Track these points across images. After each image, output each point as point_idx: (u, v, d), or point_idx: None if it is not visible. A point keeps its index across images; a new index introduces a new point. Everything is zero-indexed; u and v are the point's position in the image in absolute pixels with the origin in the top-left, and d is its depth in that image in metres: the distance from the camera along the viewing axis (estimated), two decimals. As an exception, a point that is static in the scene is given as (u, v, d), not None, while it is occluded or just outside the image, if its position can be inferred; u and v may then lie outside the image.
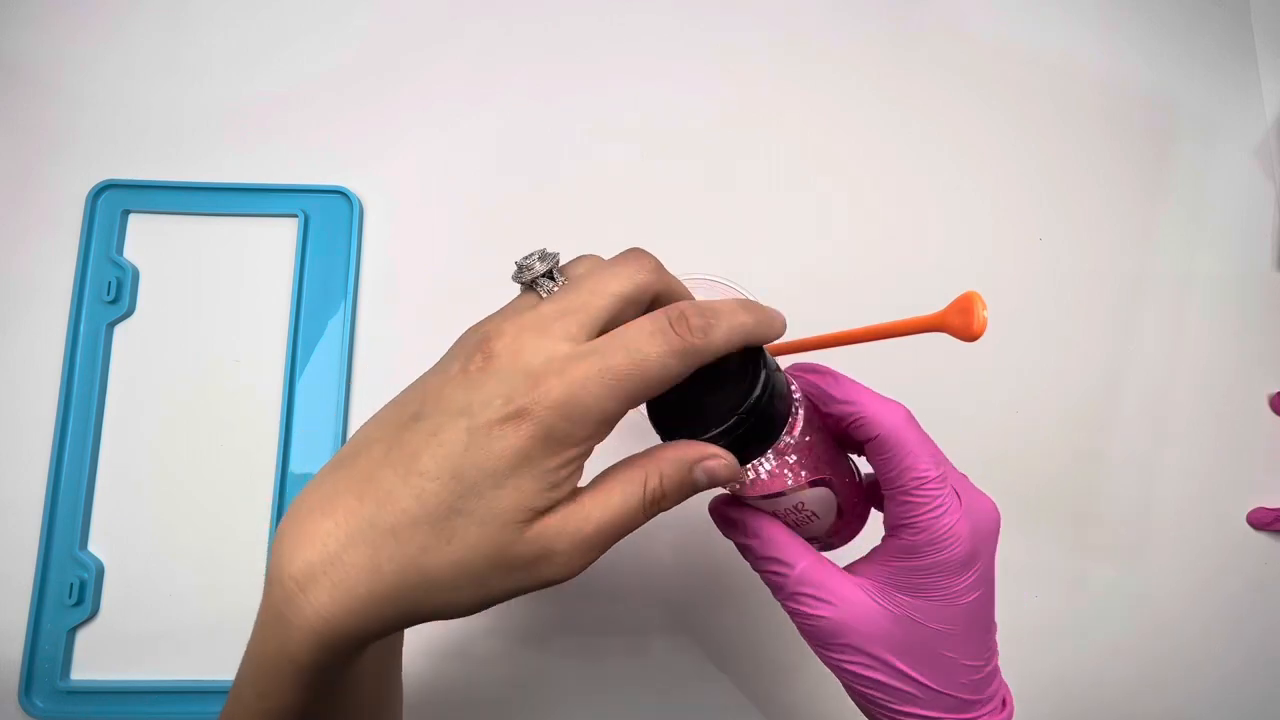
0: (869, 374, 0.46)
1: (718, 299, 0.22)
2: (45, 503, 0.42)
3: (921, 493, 0.26)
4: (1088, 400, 0.48)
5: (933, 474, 0.26)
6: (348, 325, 0.45)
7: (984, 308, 0.23)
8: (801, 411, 0.26)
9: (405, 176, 0.48)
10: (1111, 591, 0.46)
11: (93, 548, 0.43)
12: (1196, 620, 0.46)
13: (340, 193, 0.46)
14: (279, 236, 0.46)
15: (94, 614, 0.42)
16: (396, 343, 0.46)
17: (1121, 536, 0.46)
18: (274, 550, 0.20)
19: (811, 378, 0.27)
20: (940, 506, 0.26)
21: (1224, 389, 0.48)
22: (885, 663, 0.25)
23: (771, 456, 0.25)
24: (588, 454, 0.21)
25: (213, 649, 0.42)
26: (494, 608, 0.43)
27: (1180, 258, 0.50)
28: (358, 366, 0.45)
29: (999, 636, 0.29)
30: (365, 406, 0.45)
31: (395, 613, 0.20)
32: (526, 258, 0.23)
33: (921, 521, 0.25)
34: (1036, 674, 0.45)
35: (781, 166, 0.49)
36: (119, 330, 0.45)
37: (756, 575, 0.29)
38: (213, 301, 0.46)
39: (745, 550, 0.28)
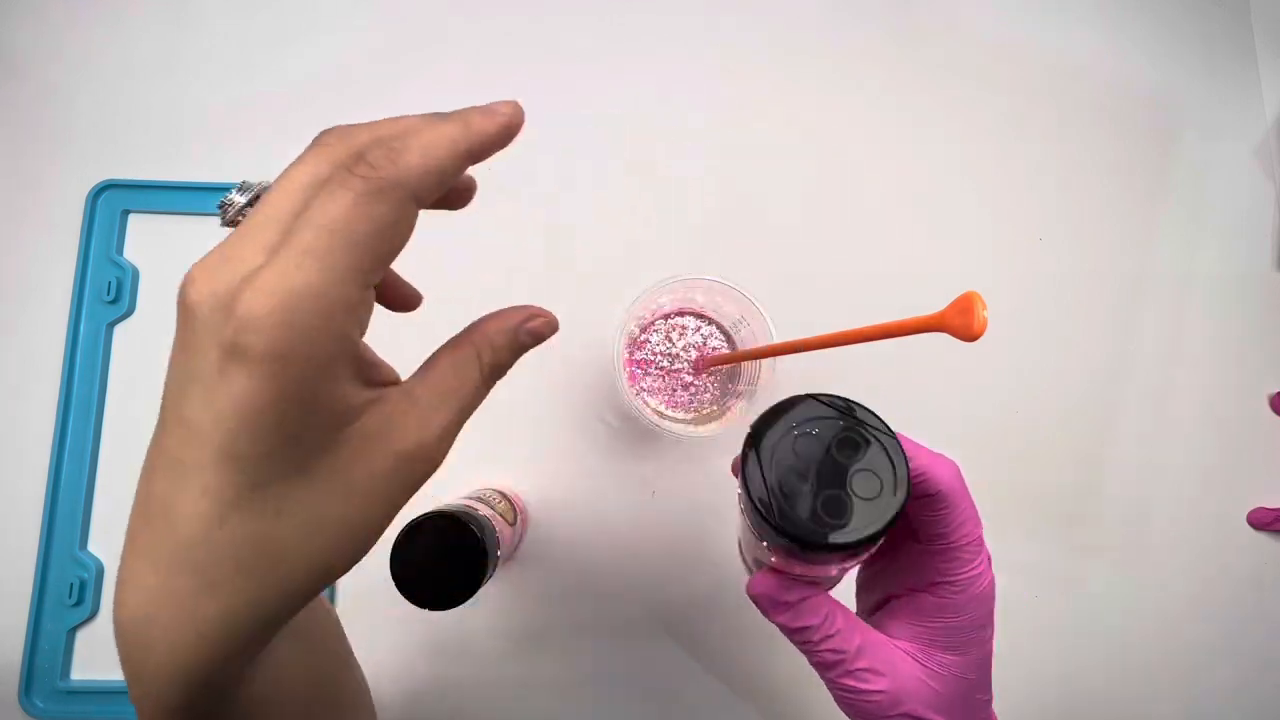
0: (869, 374, 0.46)
1: (401, 122, 0.19)
2: (45, 503, 0.42)
3: (968, 551, 0.26)
4: (1088, 400, 0.48)
5: (979, 533, 0.26)
6: (348, 325, 0.45)
7: (984, 308, 0.23)
8: None
9: (405, 176, 0.48)
10: (1111, 591, 0.46)
11: (93, 548, 0.43)
12: (1196, 620, 0.46)
13: (340, 193, 0.46)
14: (279, 236, 0.46)
15: (94, 614, 0.42)
16: (396, 342, 0.46)
17: (1121, 536, 0.46)
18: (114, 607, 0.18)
19: None
20: (982, 564, 0.26)
21: (1224, 389, 0.48)
22: None
23: None
24: (346, 359, 0.17)
25: (213, 649, 0.41)
26: (493, 608, 0.43)
27: (1180, 258, 0.50)
28: (358, 366, 0.45)
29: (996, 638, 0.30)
30: (365, 406, 0.45)
31: (256, 615, 0.17)
32: (226, 195, 0.20)
33: (963, 579, 0.26)
34: (1036, 673, 0.45)
35: (781, 167, 0.49)
36: (119, 330, 0.45)
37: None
38: (213, 301, 0.46)
39: (797, 633, 0.27)
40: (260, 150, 0.48)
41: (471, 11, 0.50)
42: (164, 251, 0.46)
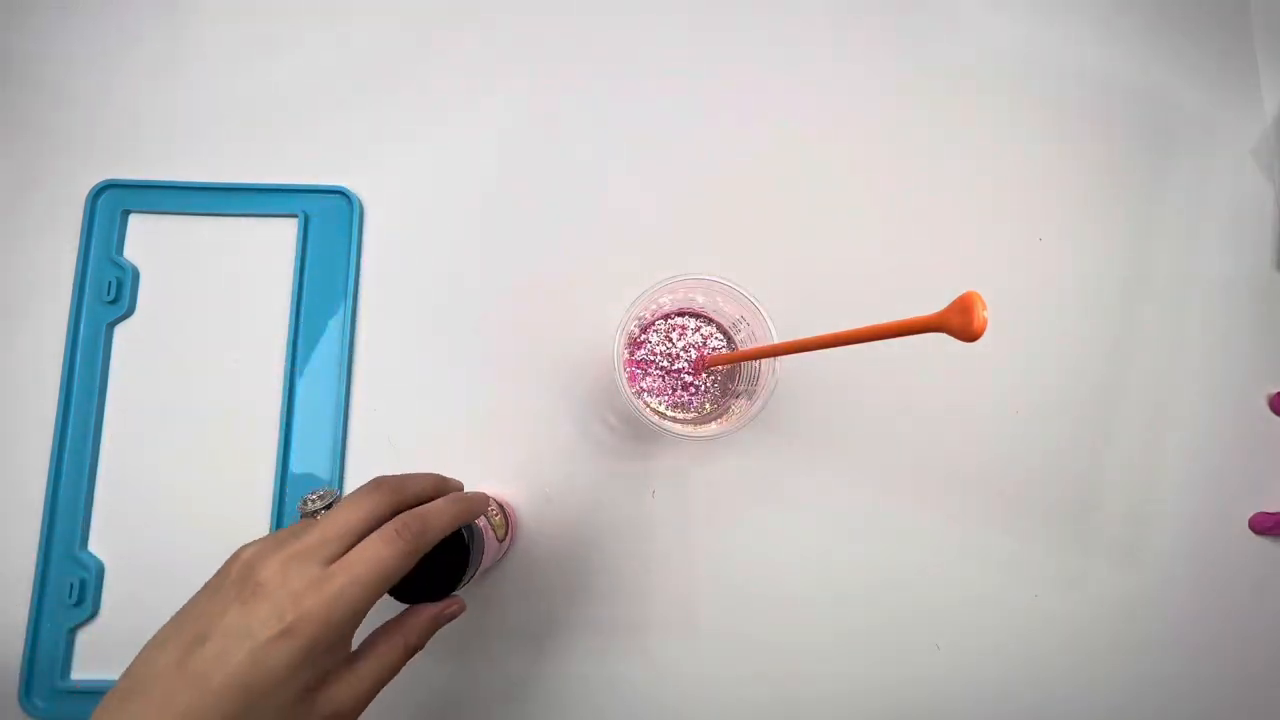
0: (869, 374, 0.46)
1: (432, 505, 0.30)
2: (45, 503, 0.42)
3: None
4: (1087, 400, 0.48)
5: None
6: (348, 325, 0.45)
7: (984, 308, 0.23)
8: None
9: (405, 176, 0.48)
10: (1111, 593, 0.46)
11: (93, 548, 0.43)
12: (1197, 623, 0.46)
13: (340, 193, 0.46)
14: (279, 236, 0.46)
15: (94, 614, 0.42)
16: (396, 343, 0.46)
17: (1121, 538, 0.46)
18: None
19: None
20: None
21: (1224, 389, 0.48)
22: None
23: None
24: (350, 639, 0.27)
25: (213, 649, 0.42)
26: (493, 607, 0.43)
27: (1180, 258, 0.50)
28: (358, 366, 0.45)
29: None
30: (365, 406, 0.45)
31: None
32: (312, 495, 0.30)
33: None
34: (1037, 673, 0.45)
35: (781, 167, 0.49)
36: (119, 330, 0.45)
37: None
38: (213, 301, 0.46)
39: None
40: (260, 150, 0.48)
41: (471, 11, 0.50)
42: (164, 251, 0.46)
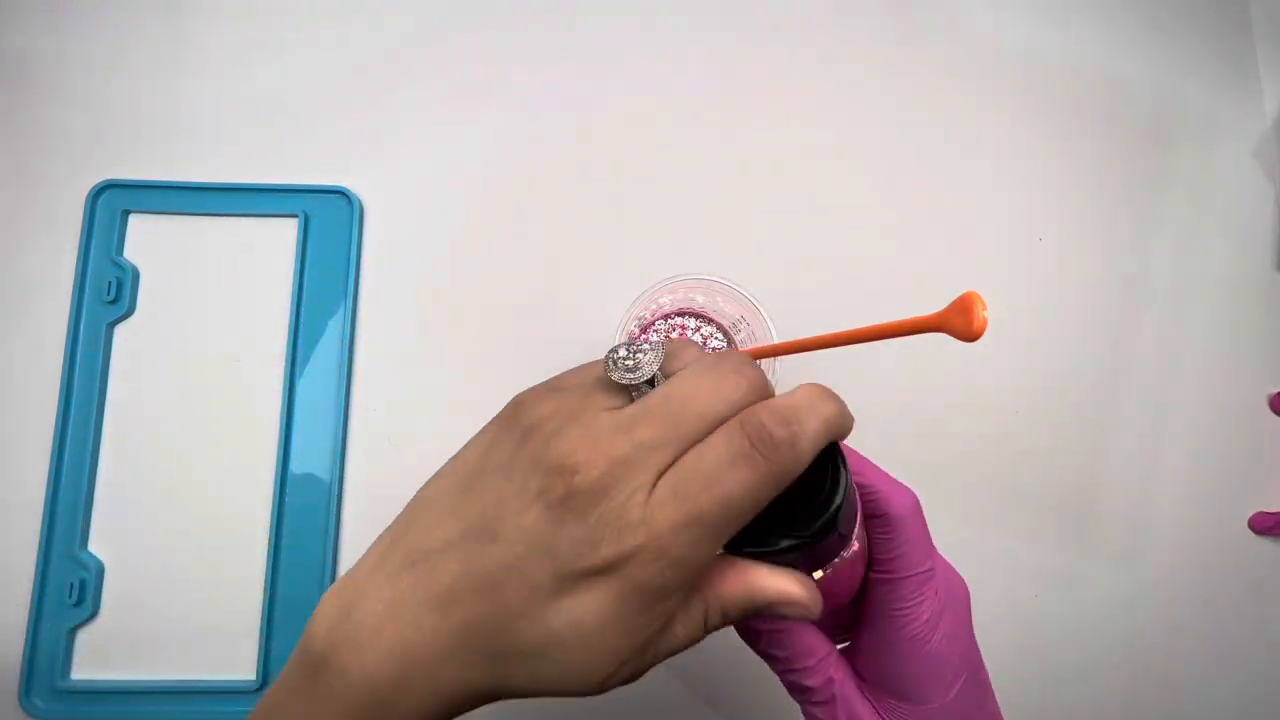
0: (870, 374, 0.46)
1: (795, 393, 0.20)
2: (45, 503, 0.42)
3: (912, 583, 0.25)
4: (1087, 400, 0.48)
5: (928, 565, 0.25)
6: (348, 325, 0.45)
7: (984, 308, 0.23)
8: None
9: (405, 176, 0.48)
10: (1111, 593, 0.46)
11: (93, 548, 0.43)
12: (1197, 624, 0.46)
13: (340, 193, 0.46)
14: (279, 236, 0.46)
15: (94, 614, 0.42)
16: (396, 343, 0.46)
17: (1121, 538, 0.46)
18: (337, 646, 0.19)
19: None
20: (926, 598, 0.25)
21: (1224, 389, 0.48)
22: None
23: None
24: (678, 603, 0.20)
25: (213, 649, 0.42)
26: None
27: (1180, 258, 0.50)
28: (358, 366, 0.45)
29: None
30: (365, 407, 0.45)
31: (475, 700, 0.20)
32: (630, 348, 0.21)
33: (904, 612, 0.25)
34: (1036, 673, 0.45)
35: (781, 167, 0.49)
36: (119, 330, 0.45)
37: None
38: (213, 301, 0.46)
39: (767, 660, 0.26)
40: (260, 150, 0.48)
41: (472, 11, 0.50)
42: (164, 251, 0.46)
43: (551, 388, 0.22)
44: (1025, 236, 0.49)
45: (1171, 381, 0.48)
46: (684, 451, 0.19)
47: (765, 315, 0.39)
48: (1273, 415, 0.48)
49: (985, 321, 0.23)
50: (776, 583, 0.20)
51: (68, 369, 0.44)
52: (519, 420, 0.21)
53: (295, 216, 0.46)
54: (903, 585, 0.25)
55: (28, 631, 0.41)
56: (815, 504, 0.20)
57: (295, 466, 0.43)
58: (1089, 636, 0.45)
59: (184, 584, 0.42)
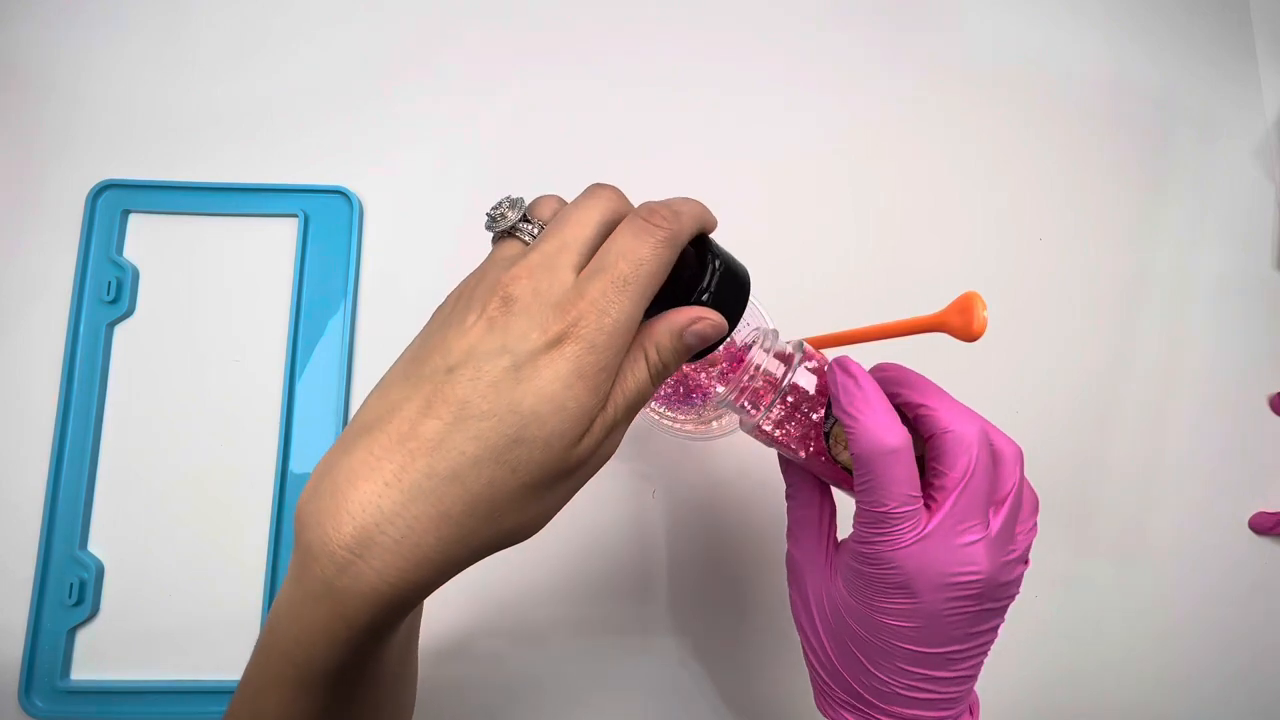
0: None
1: (671, 199, 0.24)
2: (45, 503, 0.42)
3: (862, 515, 0.27)
4: (1088, 400, 0.48)
5: (880, 508, 0.27)
6: (348, 325, 0.45)
7: (984, 308, 0.23)
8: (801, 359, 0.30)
9: (405, 176, 0.48)
10: (1111, 592, 0.46)
11: (93, 548, 0.43)
12: (1197, 624, 0.46)
13: (340, 193, 0.46)
14: (279, 236, 0.46)
15: (94, 614, 0.42)
16: (396, 343, 0.45)
17: (1122, 538, 0.46)
18: (308, 524, 0.20)
19: (842, 380, 0.28)
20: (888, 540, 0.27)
21: (1224, 389, 0.48)
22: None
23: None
24: (619, 360, 0.22)
25: (213, 649, 0.42)
26: (493, 607, 0.43)
27: (1180, 258, 0.50)
28: (358, 366, 0.45)
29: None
30: (365, 406, 0.45)
31: (466, 552, 0.21)
32: (496, 207, 0.25)
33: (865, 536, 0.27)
34: (1037, 673, 0.45)
35: (782, 167, 0.49)
36: (119, 330, 0.45)
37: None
38: (213, 301, 0.46)
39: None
40: (260, 150, 0.48)
41: (471, 12, 0.50)
42: (164, 251, 0.46)
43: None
44: (1025, 236, 0.49)
45: (1171, 381, 0.48)
46: (587, 251, 0.22)
47: (765, 315, 0.39)
48: (1273, 415, 0.48)
49: (985, 321, 0.24)
50: (686, 311, 0.24)
51: (68, 369, 0.44)
52: (443, 303, 0.24)
53: (295, 216, 0.46)
54: (860, 512, 0.28)
55: (28, 631, 0.41)
56: (698, 276, 0.25)
57: (295, 466, 0.43)
58: (1089, 636, 0.45)
59: (184, 584, 0.42)
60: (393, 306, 0.46)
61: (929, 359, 0.47)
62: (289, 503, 0.43)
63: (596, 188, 0.24)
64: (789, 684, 0.43)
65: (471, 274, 0.25)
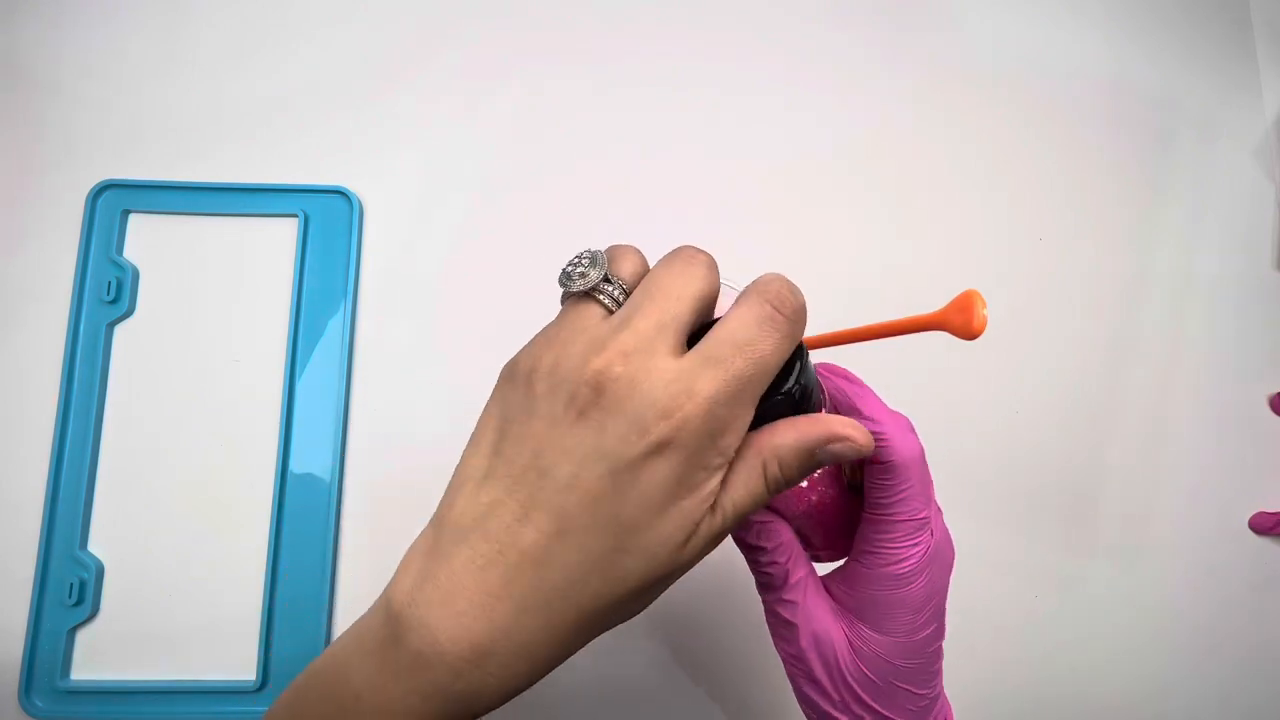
0: (870, 373, 0.46)
1: (771, 277, 0.22)
2: (45, 503, 0.42)
3: (904, 528, 0.26)
4: (1088, 400, 0.48)
5: (923, 515, 0.26)
6: (348, 325, 0.45)
7: (984, 306, 0.23)
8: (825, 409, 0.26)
9: (405, 176, 0.48)
10: (1111, 593, 0.46)
11: (93, 548, 0.43)
12: (1196, 624, 0.46)
13: (340, 193, 0.46)
14: (279, 236, 0.46)
15: (94, 614, 0.42)
16: (396, 343, 0.46)
17: (1121, 538, 0.46)
18: (416, 629, 0.19)
19: (839, 381, 0.28)
20: (919, 548, 0.26)
21: (1224, 389, 0.48)
22: (848, 690, 0.26)
23: None
24: (730, 462, 0.20)
25: (213, 649, 0.42)
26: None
27: (1180, 258, 0.50)
28: (358, 366, 0.45)
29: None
30: (365, 407, 0.45)
31: (575, 650, 0.21)
32: (575, 263, 0.22)
33: (892, 553, 0.26)
34: (1036, 673, 0.45)
35: (781, 166, 0.49)
36: (119, 330, 0.45)
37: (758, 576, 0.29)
38: (213, 301, 0.46)
39: (750, 551, 0.28)
40: (260, 150, 0.48)
41: (471, 11, 0.50)
42: (164, 251, 0.46)
43: (530, 342, 0.23)
44: (1025, 236, 0.49)
45: (1171, 381, 0.48)
46: (685, 331, 0.20)
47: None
48: (1273, 415, 0.48)
49: (985, 320, 0.23)
50: (827, 423, 0.22)
51: (68, 369, 0.44)
52: (516, 375, 0.22)
53: (295, 216, 0.46)
54: (898, 527, 0.26)
55: (28, 631, 0.41)
56: (780, 377, 0.22)
57: (295, 466, 0.43)
58: (1089, 636, 0.45)
59: (184, 584, 0.42)
60: (393, 306, 0.46)
61: (929, 358, 0.47)
62: (289, 502, 0.43)
63: (689, 252, 0.22)
64: (788, 684, 0.43)
65: (544, 335, 0.22)
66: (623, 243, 0.23)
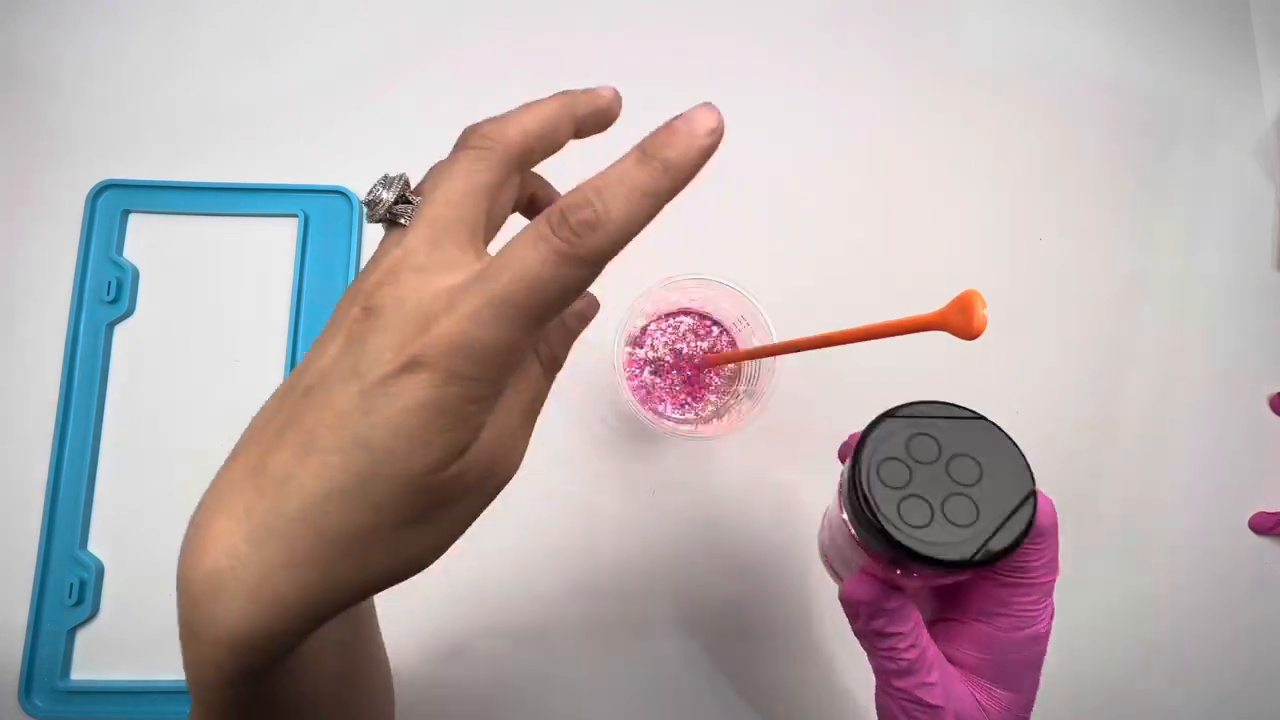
0: (870, 373, 0.46)
1: (610, 168, 0.19)
2: (45, 503, 0.42)
3: (1042, 590, 0.27)
4: (1088, 400, 0.48)
5: (1054, 578, 0.27)
6: (348, 325, 0.45)
7: (984, 306, 0.23)
8: None
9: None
10: (1111, 593, 0.46)
11: (93, 548, 0.43)
12: (1197, 624, 0.46)
13: (340, 193, 0.46)
14: (279, 236, 0.46)
15: (94, 614, 0.42)
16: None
17: (1121, 538, 0.46)
18: (179, 558, 0.18)
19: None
20: (1050, 608, 0.27)
21: (1224, 389, 0.48)
22: None
23: None
24: (500, 389, 0.19)
25: (213, 649, 0.41)
26: (493, 607, 0.43)
27: (1180, 258, 0.50)
28: (358, 366, 0.45)
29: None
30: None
31: (334, 595, 0.18)
32: (370, 191, 0.20)
33: (1029, 615, 0.27)
34: (1037, 674, 0.45)
35: (781, 167, 0.49)
36: (119, 330, 0.45)
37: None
38: (213, 301, 0.46)
39: (886, 638, 0.27)
40: (260, 150, 0.48)
41: (471, 11, 0.50)
42: (164, 251, 0.46)
43: None
44: (1025, 236, 0.49)
45: (1171, 381, 0.48)
46: (466, 236, 0.19)
47: (765, 315, 0.39)
48: (1273, 415, 0.48)
49: (985, 320, 0.23)
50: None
51: (68, 369, 0.44)
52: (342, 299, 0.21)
53: (295, 216, 0.46)
54: (1038, 589, 0.27)
55: (28, 631, 0.41)
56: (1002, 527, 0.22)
57: (295, 466, 0.43)
58: (1089, 637, 0.45)
59: (184, 584, 0.42)
60: (393, 306, 0.46)
61: (929, 358, 0.47)
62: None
63: (461, 139, 0.20)
64: (789, 684, 0.43)
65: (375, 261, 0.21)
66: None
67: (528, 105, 0.22)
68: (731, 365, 0.43)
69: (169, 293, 0.46)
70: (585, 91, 0.24)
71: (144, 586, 0.42)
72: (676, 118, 0.18)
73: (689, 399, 0.43)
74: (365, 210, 0.21)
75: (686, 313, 0.44)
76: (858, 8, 0.52)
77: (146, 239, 0.46)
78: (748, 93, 0.50)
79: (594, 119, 0.25)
